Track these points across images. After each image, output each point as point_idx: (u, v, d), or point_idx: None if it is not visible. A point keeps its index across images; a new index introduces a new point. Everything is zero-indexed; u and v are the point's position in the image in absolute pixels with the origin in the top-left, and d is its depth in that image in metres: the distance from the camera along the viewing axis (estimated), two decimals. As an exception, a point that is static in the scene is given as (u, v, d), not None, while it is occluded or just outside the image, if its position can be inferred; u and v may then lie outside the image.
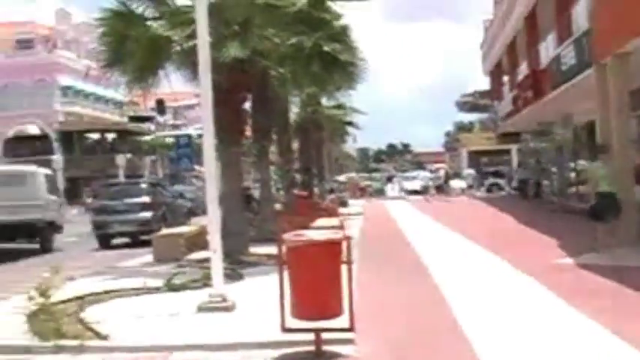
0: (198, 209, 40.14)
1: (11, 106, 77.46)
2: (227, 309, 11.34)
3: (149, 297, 13.40)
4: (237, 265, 16.10)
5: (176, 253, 19.92)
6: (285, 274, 8.81)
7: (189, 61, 18.28)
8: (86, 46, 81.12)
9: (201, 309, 11.39)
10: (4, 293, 15.89)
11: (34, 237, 28.58)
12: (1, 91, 78.26)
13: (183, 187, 51.31)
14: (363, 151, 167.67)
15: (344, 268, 8.70)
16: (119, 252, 26.00)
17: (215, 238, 11.70)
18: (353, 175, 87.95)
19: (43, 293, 10.76)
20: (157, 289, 13.95)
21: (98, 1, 18.99)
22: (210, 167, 11.99)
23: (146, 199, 29.50)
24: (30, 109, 76.89)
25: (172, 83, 19.71)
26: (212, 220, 11.82)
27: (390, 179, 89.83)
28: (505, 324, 10.21)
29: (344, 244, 8.74)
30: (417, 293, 13.28)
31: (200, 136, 75.46)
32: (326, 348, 8.93)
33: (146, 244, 23.94)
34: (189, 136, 54.51)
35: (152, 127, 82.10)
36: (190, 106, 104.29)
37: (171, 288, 13.97)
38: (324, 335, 8.91)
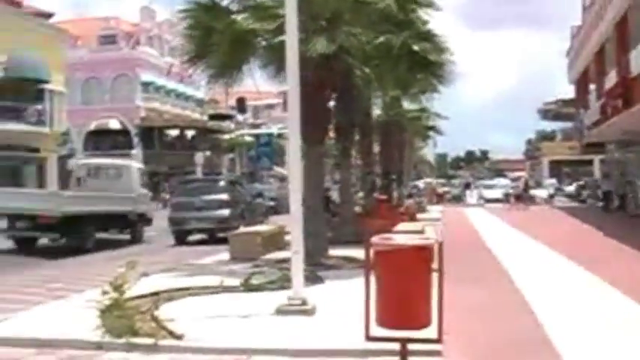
0: (282, 208, 41.64)
1: (93, 100, 78.50)
2: (307, 313, 10.84)
3: (225, 296, 12.96)
4: (316, 267, 15.57)
5: (252, 252, 19.62)
6: (372, 279, 8.28)
7: (274, 57, 17.91)
8: (169, 43, 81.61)
9: (279, 311, 10.91)
10: (79, 286, 15.68)
11: (126, 228, 29.81)
12: (84, 85, 78.87)
13: (261, 186, 51.33)
14: (441, 157, 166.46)
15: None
16: (195, 249, 25.89)
17: (297, 240, 11.19)
18: (431, 180, 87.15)
19: (117, 288, 10.39)
20: (234, 289, 13.52)
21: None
22: (295, 167, 11.47)
23: (224, 196, 29.27)
24: (111, 103, 77.83)
25: (255, 80, 19.36)
26: (295, 221, 11.31)
27: (467, 186, 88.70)
28: (596, 340, 9.56)
29: (435, 250, 8.16)
30: (502, 301, 12.74)
31: (280, 135, 76.29)
32: (412, 359, 8.40)
33: (222, 241, 23.77)
34: (269, 135, 54.45)
35: (232, 125, 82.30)
36: (270, 106, 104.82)
37: (249, 288, 13.53)
38: (410, 346, 8.36)
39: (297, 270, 11.09)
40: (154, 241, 29.77)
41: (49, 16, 57.06)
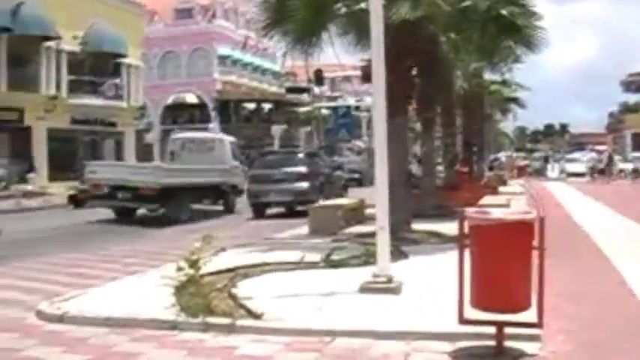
0: (365, 180, 44.38)
1: (170, 74, 78.95)
2: (393, 291, 10.16)
3: (306, 273, 12.34)
4: (399, 242, 14.87)
5: (333, 226, 19.05)
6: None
7: (354, 24, 17.25)
8: (244, 16, 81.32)
9: (363, 289, 10.25)
10: (156, 261, 15.26)
11: (219, 199, 30.93)
12: (161, 59, 79.34)
13: (341, 159, 51.14)
14: (520, 130, 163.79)
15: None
16: (274, 222, 25.48)
17: (382, 214, 10.49)
18: (512, 153, 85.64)
19: (193, 264, 9.87)
20: (315, 265, 12.91)
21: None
22: (380, 139, 10.74)
23: (303, 169, 28.79)
24: (188, 77, 78.02)
25: (335, 48, 18.69)
26: (380, 195, 10.60)
27: (546, 160, 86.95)
28: None
29: (536, 226, 7.42)
30: (600, 282, 11.92)
31: (357, 108, 75.58)
32: (508, 344, 7.70)
33: (301, 214, 23.49)
34: (348, 107, 53.93)
35: (308, 98, 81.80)
36: (347, 78, 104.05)
37: (330, 264, 12.90)
38: (507, 330, 7.66)
39: (383, 246, 10.41)
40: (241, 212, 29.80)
41: (127, -10, 57.06)
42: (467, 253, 7.55)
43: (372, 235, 16.26)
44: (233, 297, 9.93)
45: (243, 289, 10.65)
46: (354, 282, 10.61)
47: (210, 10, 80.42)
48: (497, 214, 7.60)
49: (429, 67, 21.44)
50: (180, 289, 9.97)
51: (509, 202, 20.70)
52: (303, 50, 17.97)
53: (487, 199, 21.23)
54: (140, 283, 11.86)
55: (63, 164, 45.20)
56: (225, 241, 17.11)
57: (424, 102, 24.59)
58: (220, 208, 30.62)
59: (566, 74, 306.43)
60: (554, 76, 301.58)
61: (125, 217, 27.43)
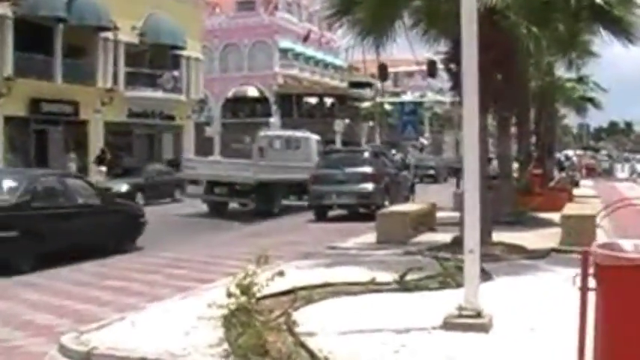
0: (439, 177, 50.45)
1: (231, 67, 78.18)
2: (483, 328, 8.44)
3: (376, 298, 10.59)
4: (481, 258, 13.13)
5: (401, 234, 17.50)
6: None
7: (428, 12, 15.67)
8: (307, 9, 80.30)
9: (448, 325, 8.55)
10: (207, 274, 13.80)
11: (303, 195, 30.78)
12: (222, 52, 78.71)
13: (413, 157, 52.05)
14: (582, 127, 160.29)
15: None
16: (335, 226, 24.05)
17: (473, 234, 8.84)
18: (581, 152, 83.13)
19: (246, 291, 8.33)
20: (386, 286, 11.23)
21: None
22: (471, 140, 9.10)
23: (368, 169, 27.28)
24: (249, 71, 77.23)
25: (409, 40, 17.15)
26: (470, 209, 8.93)
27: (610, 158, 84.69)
28: None
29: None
30: None
31: (420, 104, 73.86)
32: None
33: (365, 217, 22.63)
34: (415, 104, 52.76)
35: (371, 93, 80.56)
36: (410, 73, 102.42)
37: (404, 286, 11.21)
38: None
39: (472, 273, 8.76)
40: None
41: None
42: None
43: (447, 246, 14.79)
44: (293, 333, 8.32)
45: (305, 318, 9.01)
46: (434, 312, 8.97)
47: (273, 3, 79.42)
48: (628, 247, 5.92)
49: (508, 61, 19.74)
50: (229, 319, 8.42)
51: (599, 215, 18.60)
52: (374, 42, 16.27)
53: (570, 209, 19.41)
54: (185, 307, 10.26)
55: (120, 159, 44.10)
56: (285, 249, 15.83)
57: (501, 99, 22.82)
58: (305, 204, 30.03)
59: (630, 71, 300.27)
60: (618, 73, 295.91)
61: (218, 211, 29.62)
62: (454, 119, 73.66)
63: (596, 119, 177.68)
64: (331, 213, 27.43)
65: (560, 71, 34.19)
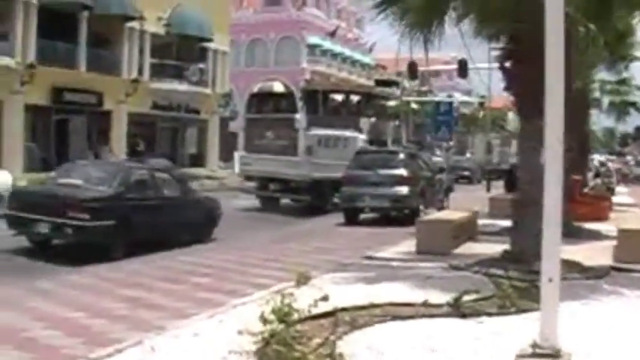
0: (474, 178, 54.03)
1: (257, 62, 78.25)
2: (562, 372, 7.17)
3: (428, 324, 9.20)
4: (534, 276, 11.81)
5: (442, 245, 16.16)
6: None
7: (483, 6, 14.44)
8: (336, 5, 79.42)
9: (521, 365, 7.26)
10: (235, 284, 12.61)
11: None
12: (248, 46, 78.68)
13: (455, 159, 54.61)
14: (608, 131, 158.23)
15: None
16: (367, 230, 22.89)
17: (553, 258, 7.56)
18: (613, 157, 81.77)
19: (282, 318, 7.11)
20: (438, 309, 9.91)
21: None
22: (556, 148, 7.82)
23: (403, 171, 25.83)
24: (275, 66, 76.87)
25: (462, 35, 15.98)
26: (551, 230, 7.66)
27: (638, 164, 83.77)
28: None
29: None
30: None
31: (450, 104, 72.61)
32: None
33: (397, 222, 22.67)
34: (450, 104, 51.62)
35: (397, 91, 79.58)
36: (437, 73, 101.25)
37: (459, 311, 9.87)
38: None
39: (551, 306, 7.45)
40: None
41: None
42: None
43: (497, 261, 13.54)
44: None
45: (350, 349, 7.73)
46: (500, 345, 7.82)
47: (301, -2, 78.80)
48: None
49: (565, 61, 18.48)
50: (264, 347, 7.19)
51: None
52: (423, 32, 14.94)
53: (625, 221, 18.10)
54: (210, 331, 8.94)
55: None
56: (318, 257, 15.45)
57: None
58: None
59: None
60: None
61: (272, 206, 30.62)
62: (487, 118, 73.18)
63: (622, 124, 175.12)
64: (361, 216, 26.12)
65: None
